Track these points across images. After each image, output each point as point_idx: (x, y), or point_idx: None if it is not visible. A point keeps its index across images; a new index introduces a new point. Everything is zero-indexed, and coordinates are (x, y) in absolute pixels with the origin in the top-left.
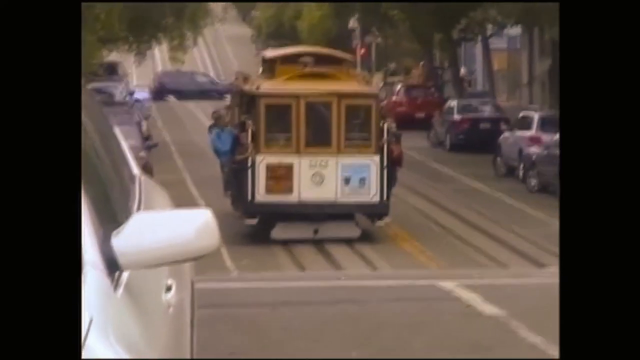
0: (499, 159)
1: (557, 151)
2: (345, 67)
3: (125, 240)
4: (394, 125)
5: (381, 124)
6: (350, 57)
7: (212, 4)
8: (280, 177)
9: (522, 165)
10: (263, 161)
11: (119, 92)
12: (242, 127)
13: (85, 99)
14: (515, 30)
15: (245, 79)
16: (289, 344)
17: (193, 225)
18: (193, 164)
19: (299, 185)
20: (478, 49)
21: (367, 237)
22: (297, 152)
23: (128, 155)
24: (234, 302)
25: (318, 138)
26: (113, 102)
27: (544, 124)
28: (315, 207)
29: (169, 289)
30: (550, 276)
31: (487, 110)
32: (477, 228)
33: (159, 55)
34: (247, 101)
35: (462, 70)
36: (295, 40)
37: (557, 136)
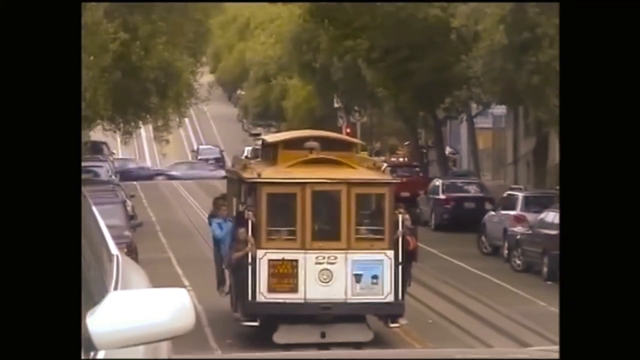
0: (483, 238)
1: (541, 231)
2: (354, 152)
3: (100, 319)
4: (407, 217)
5: (395, 215)
6: (360, 142)
7: (196, 84)
8: (284, 274)
9: (506, 245)
10: (265, 257)
11: (104, 172)
12: (241, 219)
13: None
14: (500, 110)
15: (244, 165)
16: None
17: (168, 305)
18: (178, 243)
19: (305, 284)
20: (463, 127)
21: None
22: (303, 246)
23: (106, 234)
24: None
25: (326, 231)
26: (98, 181)
27: (529, 204)
28: (322, 307)
29: None
30: (533, 356)
31: (472, 190)
32: (461, 307)
33: (145, 135)
34: (246, 190)
35: (447, 150)
36: (281, 120)
37: (541, 215)
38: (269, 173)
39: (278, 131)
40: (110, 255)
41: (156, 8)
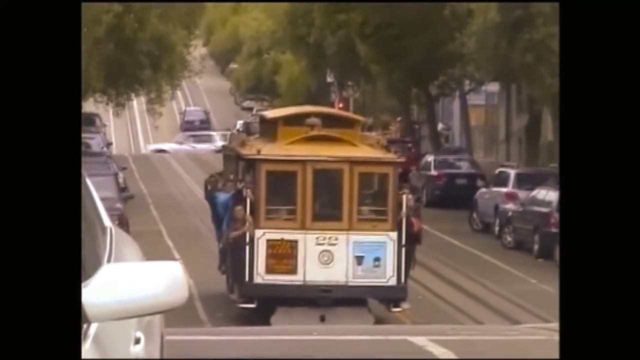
0: (475, 214)
1: (533, 208)
2: (357, 130)
3: (93, 292)
4: (411, 196)
5: (399, 195)
6: (363, 118)
7: (189, 57)
8: (283, 255)
9: (497, 222)
10: (263, 237)
11: (96, 143)
12: (238, 197)
13: None
14: (493, 87)
15: (243, 142)
16: None
17: (162, 278)
18: (169, 216)
19: (304, 265)
20: (456, 104)
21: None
22: (303, 226)
23: (100, 207)
24: (204, 355)
25: (327, 211)
26: (90, 153)
27: (521, 181)
28: (322, 290)
29: (137, 341)
30: (524, 333)
31: (464, 166)
32: (451, 284)
33: (137, 107)
34: (244, 167)
35: (440, 126)
36: (273, 94)
37: (533, 193)
38: (269, 150)
39: (270, 105)
40: (103, 227)
41: None
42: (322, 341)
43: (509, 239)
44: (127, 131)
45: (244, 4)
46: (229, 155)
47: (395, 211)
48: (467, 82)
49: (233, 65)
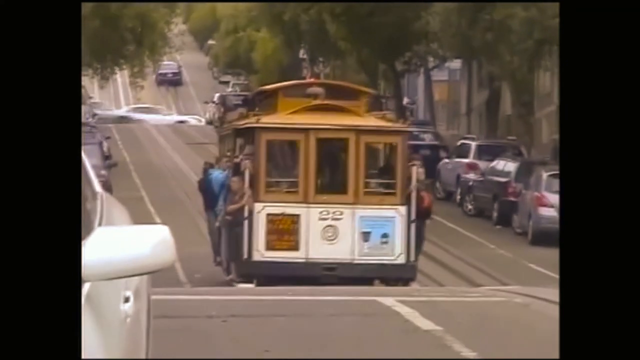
0: (437, 184)
1: (492, 178)
2: (363, 102)
3: (87, 253)
4: (421, 170)
5: (409, 168)
6: (371, 90)
7: (170, 34)
8: (284, 230)
9: (459, 190)
10: (263, 211)
11: (82, 114)
12: (236, 171)
13: None
14: (456, 64)
15: (240, 115)
16: (238, 355)
17: (151, 240)
18: (151, 183)
19: (307, 241)
20: (420, 80)
21: None
22: (305, 200)
23: (90, 173)
24: (186, 313)
25: (331, 183)
26: None
27: (481, 152)
28: (326, 268)
29: (127, 300)
30: (483, 295)
31: (427, 138)
32: None
33: (120, 80)
34: (243, 138)
35: (405, 100)
36: (250, 70)
37: (492, 163)
38: (269, 119)
39: (247, 79)
40: (94, 193)
41: None
42: (296, 301)
43: (469, 206)
44: (111, 103)
45: None
46: (226, 134)
47: (404, 184)
48: (431, 59)
49: (211, 42)
